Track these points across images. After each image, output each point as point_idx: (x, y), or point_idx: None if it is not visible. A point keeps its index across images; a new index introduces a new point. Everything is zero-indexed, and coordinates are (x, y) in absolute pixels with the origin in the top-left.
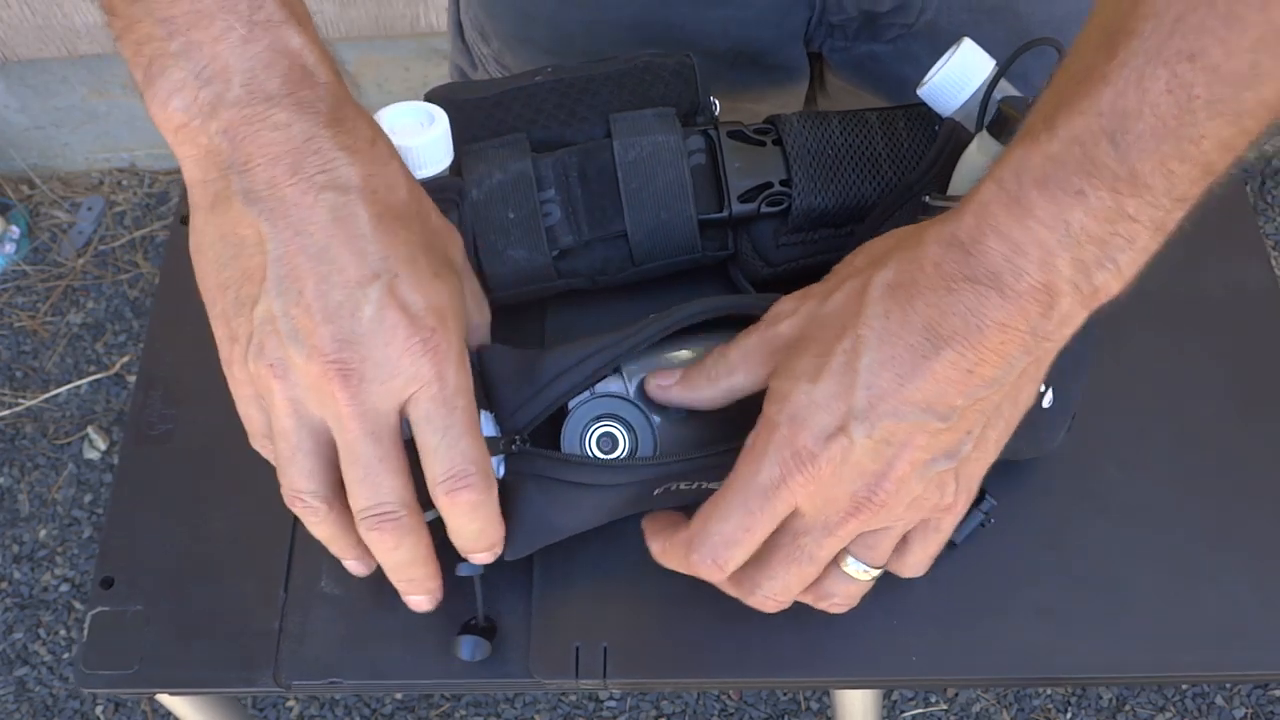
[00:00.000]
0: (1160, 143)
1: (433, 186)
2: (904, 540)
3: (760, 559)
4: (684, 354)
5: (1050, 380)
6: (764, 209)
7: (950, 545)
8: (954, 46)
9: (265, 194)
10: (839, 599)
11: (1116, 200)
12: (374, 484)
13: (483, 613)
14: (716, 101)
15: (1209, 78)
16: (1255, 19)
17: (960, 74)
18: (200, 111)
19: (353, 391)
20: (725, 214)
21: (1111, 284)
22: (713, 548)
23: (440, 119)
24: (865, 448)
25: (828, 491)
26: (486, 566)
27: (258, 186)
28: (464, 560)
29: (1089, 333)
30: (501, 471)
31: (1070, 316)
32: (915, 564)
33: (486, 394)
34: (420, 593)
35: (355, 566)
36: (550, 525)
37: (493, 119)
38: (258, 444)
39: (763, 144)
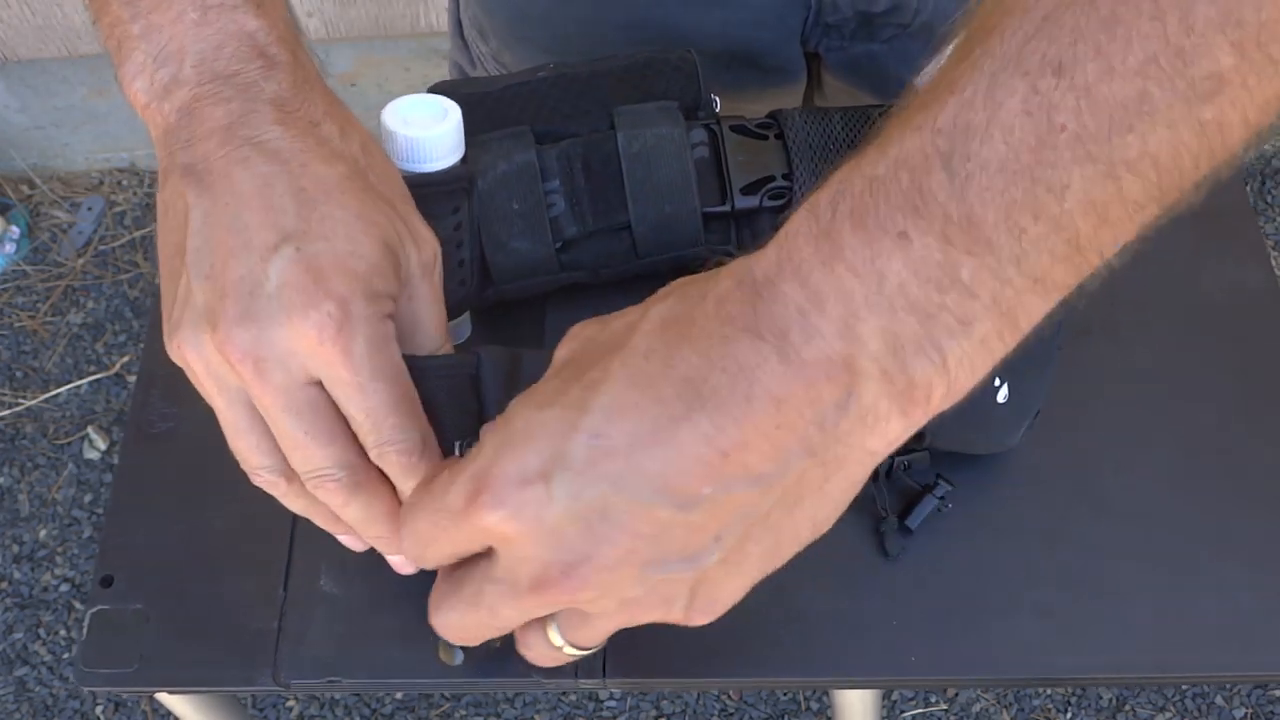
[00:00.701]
0: (1009, 183)
1: (443, 178)
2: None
3: (452, 581)
4: None
5: (1004, 375)
6: (766, 203)
7: (906, 531)
8: (954, 40)
9: (199, 166)
10: (534, 655)
11: (947, 254)
12: (305, 455)
13: None
14: (717, 98)
15: (1079, 101)
16: (1145, 30)
17: None
18: (158, 92)
19: (254, 369)
20: (728, 207)
21: (934, 383)
22: (408, 532)
23: (454, 112)
24: (567, 512)
25: (517, 548)
26: None
27: (194, 159)
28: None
29: (1055, 330)
30: None
31: (874, 415)
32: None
33: (480, 402)
34: (393, 552)
35: (349, 541)
36: None
37: (496, 113)
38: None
39: (765, 138)
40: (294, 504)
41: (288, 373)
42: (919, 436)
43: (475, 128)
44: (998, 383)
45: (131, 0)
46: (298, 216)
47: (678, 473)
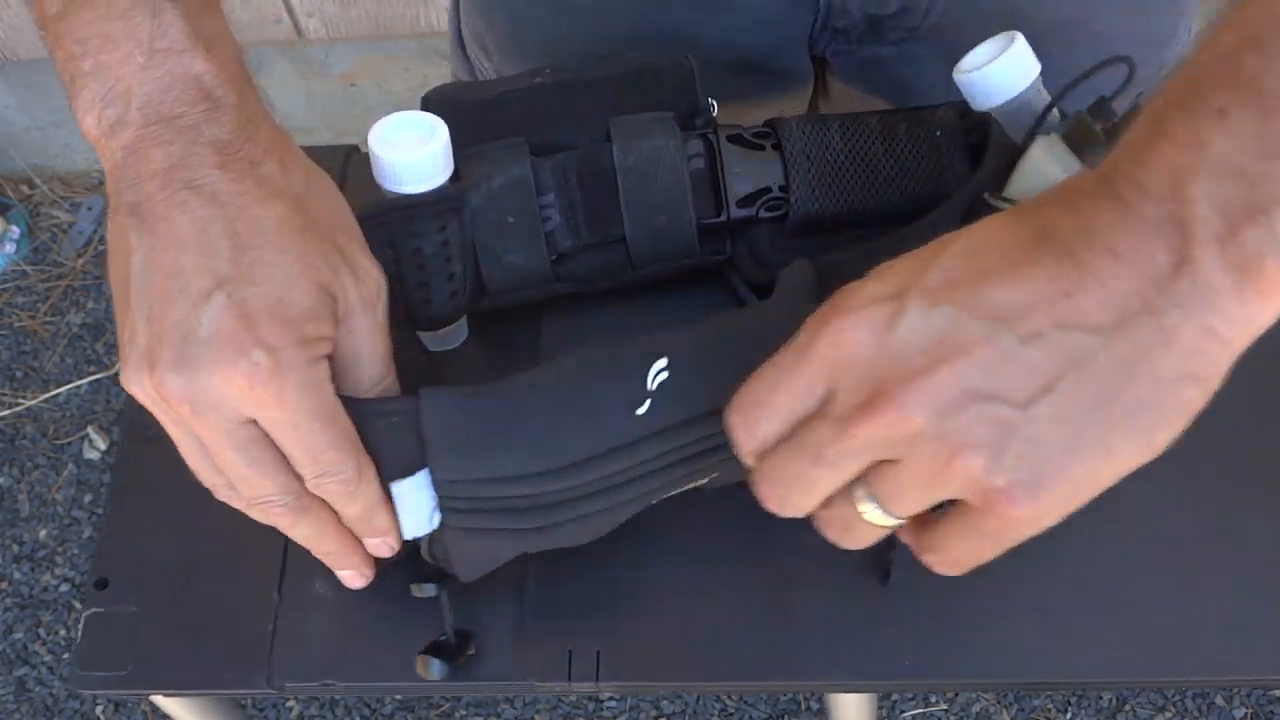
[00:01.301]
0: None
1: (432, 199)
2: (939, 521)
3: (779, 444)
4: None
5: None
6: (762, 214)
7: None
8: (1004, 38)
9: (141, 206)
10: (837, 530)
11: (1266, 124)
12: (248, 485)
13: (452, 631)
14: (714, 103)
15: None
16: None
17: (1011, 72)
18: (105, 130)
19: (194, 412)
20: (723, 218)
21: (1265, 254)
22: (742, 404)
23: (440, 131)
24: (914, 325)
25: (855, 362)
26: (437, 592)
27: (137, 199)
28: (421, 583)
29: None
30: (437, 521)
31: (1209, 285)
32: (946, 553)
33: (424, 448)
34: (346, 568)
35: (350, 578)
36: (498, 556)
37: (491, 121)
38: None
39: (762, 148)
40: (256, 517)
41: (221, 415)
42: None
43: (470, 136)
44: None
45: (82, 39)
46: (231, 262)
47: (1022, 305)
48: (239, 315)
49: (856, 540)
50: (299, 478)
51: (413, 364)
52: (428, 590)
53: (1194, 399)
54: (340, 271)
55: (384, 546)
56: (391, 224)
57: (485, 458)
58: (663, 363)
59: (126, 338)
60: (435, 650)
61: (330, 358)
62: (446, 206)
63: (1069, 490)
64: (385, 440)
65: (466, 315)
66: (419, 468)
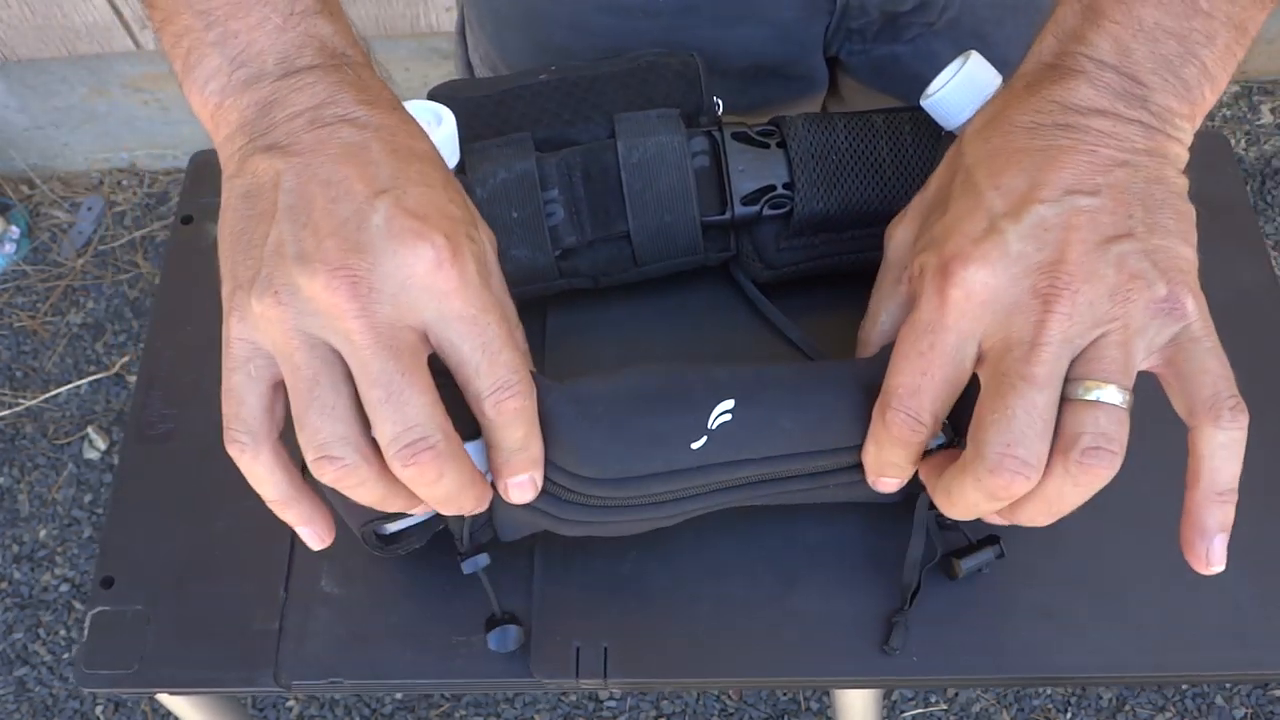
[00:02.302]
0: None
1: None
2: (1171, 357)
3: (977, 416)
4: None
5: None
6: (766, 211)
7: (953, 578)
8: (960, 59)
9: (285, 142)
10: (1092, 440)
11: None
12: (398, 404)
13: (498, 604)
14: (719, 101)
15: None
16: None
17: (967, 88)
18: (234, 90)
19: (362, 302)
20: (727, 216)
21: (1202, 84)
22: (898, 401)
23: (448, 119)
24: (1021, 237)
25: (995, 298)
26: (490, 562)
27: (279, 138)
28: (465, 558)
29: None
30: (489, 478)
31: (1173, 114)
32: (1202, 375)
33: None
34: (475, 508)
35: (310, 536)
36: (536, 525)
37: (496, 117)
38: (231, 435)
39: (766, 146)
40: (365, 492)
41: (396, 308)
42: None
43: (475, 132)
44: None
45: (205, 10)
46: (393, 172)
47: (1074, 177)
48: (411, 212)
49: (1106, 438)
50: (446, 415)
51: None
52: (477, 563)
53: (1183, 184)
54: (477, 218)
55: (530, 484)
56: None
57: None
58: (728, 404)
59: (266, 255)
60: (491, 626)
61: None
62: None
63: (1192, 270)
64: (452, 404)
65: None
66: (479, 435)
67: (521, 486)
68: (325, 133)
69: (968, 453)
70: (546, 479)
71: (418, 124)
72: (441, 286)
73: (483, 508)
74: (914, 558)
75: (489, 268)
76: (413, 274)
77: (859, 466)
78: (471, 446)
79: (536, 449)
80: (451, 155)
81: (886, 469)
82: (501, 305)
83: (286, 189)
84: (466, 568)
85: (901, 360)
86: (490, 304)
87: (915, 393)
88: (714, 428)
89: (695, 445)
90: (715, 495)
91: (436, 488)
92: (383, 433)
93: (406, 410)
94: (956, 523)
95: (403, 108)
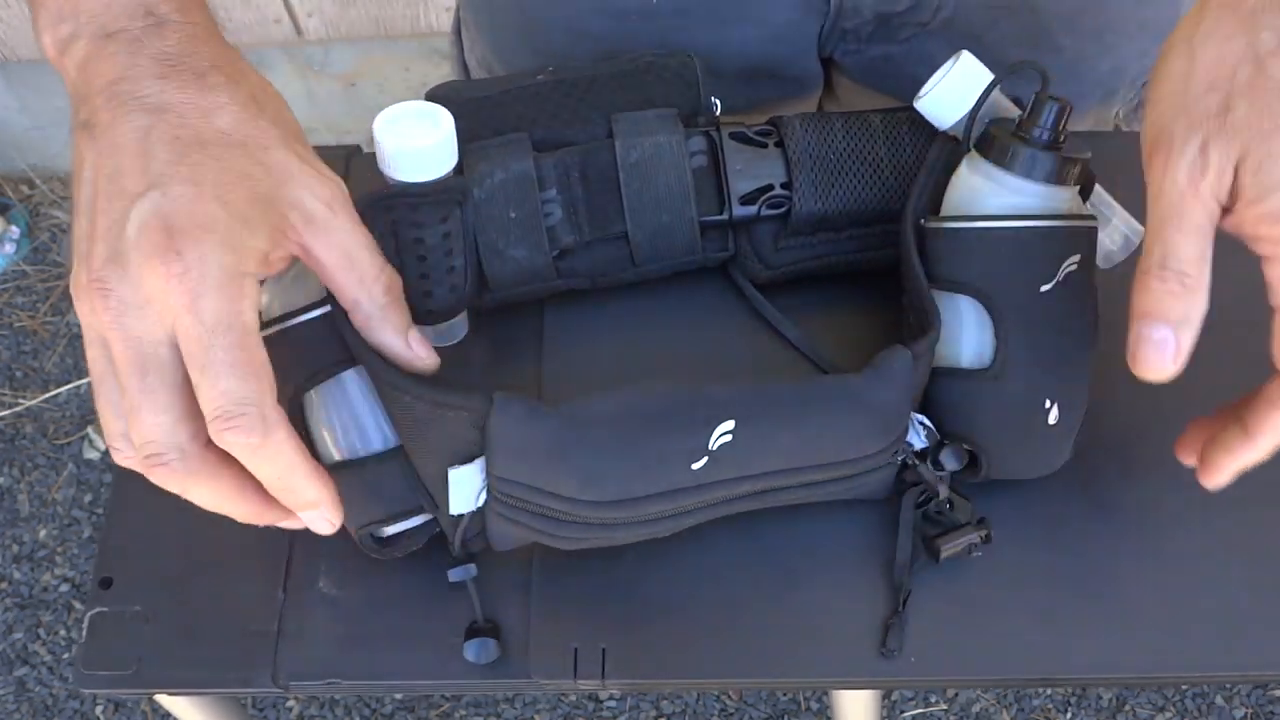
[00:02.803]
0: None
1: (436, 188)
2: None
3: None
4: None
5: (1055, 396)
6: (764, 211)
7: (936, 561)
8: (952, 59)
9: (90, 121)
10: None
11: None
12: (138, 420)
13: (481, 614)
14: (717, 101)
15: None
16: None
17: (959, 87)
18: (61, 47)
19: (114, 315)
20: (725, 216)
21: None
22: (1164, 269)
23: (445, 121)
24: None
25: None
26: (479, 570)
27: (87, 116)
28: (454, 566)
29: (1093, 342)
30: (482, 500)
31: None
32: None
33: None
34: (257, 520)
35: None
36: (529, 540)
37: (494, 117)
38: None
39: (764, 145)
40: (156, 479)
41: (143, 321)
42: (974, 467)
43: (473, 132)
44: (1048, 404)
45: None
46: (167, 163)
47: (1256, 54)
48: (164, 218)
49: None
50: (191, 434)
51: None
52: (468, 572)
53: None
54: (290, 182)
55: (320, 522)
56: (395, 211)
57: (539, 472)
58: (728, 425)
59: (74, 245)
60: (473, 634)
61: (332, 283)
62: (450, 198)
63: None
64: (450, 429)
65: (468, 310)
66: (476, 457)
67: (313, 523)
68: (119, 114)
69: None
70: (542, 504)
71: (227, 88)
72: (174, 300)
73: (270, 520)
74: (903, 559)
75: (241, 281)
76: (151, 289)
77: (853, 475)
78: (466, 468)
79: (304, 488)
80: (449, 157)
81: None
82: (245, 325)
83: (85, 180)
84: (453, 576)
85: (1159, 230)
86: (227, 324)
87: (1178, 258)
88: (715, 448)
89: (696, 466)
90: (711, 509)
91: (194, 497)
92: (133, 439)
93: (143, 427)
94: (940, 514)
95: (216, 67)
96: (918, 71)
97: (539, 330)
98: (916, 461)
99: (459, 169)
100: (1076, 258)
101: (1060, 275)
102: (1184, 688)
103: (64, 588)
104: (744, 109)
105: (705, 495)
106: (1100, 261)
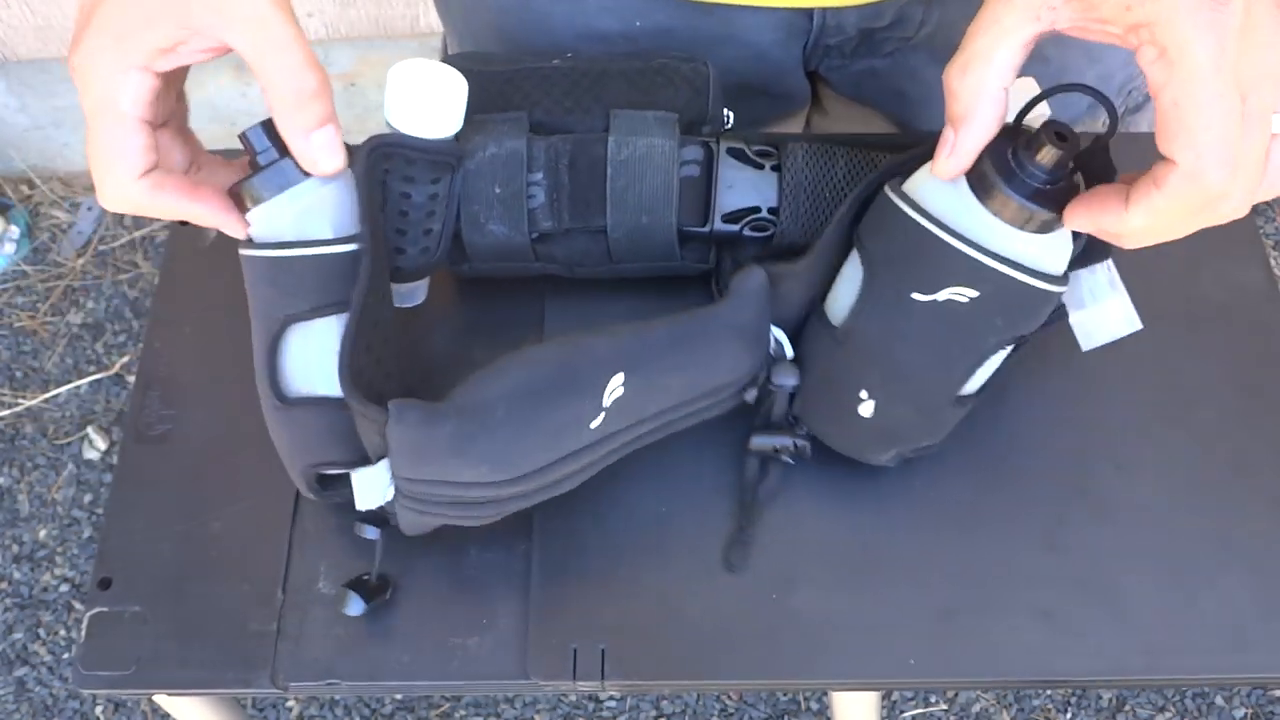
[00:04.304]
0: None
1: (430, 148)
2: None
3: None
4: None
5: (874, 394)
6: (747, 232)
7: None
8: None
9: None
10: None
11: None
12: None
13: (376, 572)
14: (730, 113)
15: None
16: None
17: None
18: None
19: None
20: (707, 229)
21: None
22: (1219, 158)
23: (459, 86)
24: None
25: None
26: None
27: None
28: (365, 524)
29: (940, 387)
30: (390, 496)
31: None
32: None
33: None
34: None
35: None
36: (439, 525)
37: (501, 95)
38: None
39: (761, 167)
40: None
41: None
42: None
43: (479, 105)
44: (864, 395)
45: None
46: None
47: None
48: (89, 10)
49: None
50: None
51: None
52: (369, 533)
53: None
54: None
55: (330, 152)
56: (391, 161)
57: (445, 468)
58: (619, 379)
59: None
60: (357, 587)
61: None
62: (445, 160)
63: None
64: (363, 430)
65: (462, 292)
66: (381, 458)
67: (321, 154)
68: None
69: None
70: (451, 494)
71: None
72: (80, 82)
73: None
74: (750, 476)
75: (125, 73)
76: (75, 70)
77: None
78: (371, 469)
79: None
80: (454, 122)
81: (1160, 237)
82: (119, 110)
83: None
84: (365, 533)
85: (1199, 114)
86: (102, 101)
87: (1231, 141)
88: (609, 405)
89: (594, 424)
90: (613, 454)
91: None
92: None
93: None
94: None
95: None
96: (903, 84)
97: (539, 329)
98: (764, 375)
99: (456, 138)
100: (972, 294)
101: (940, 296)
102: (1184, 688)
103: (64, 588)
104: (735, 126)
105: (606, 447)
106: (1081, 340)
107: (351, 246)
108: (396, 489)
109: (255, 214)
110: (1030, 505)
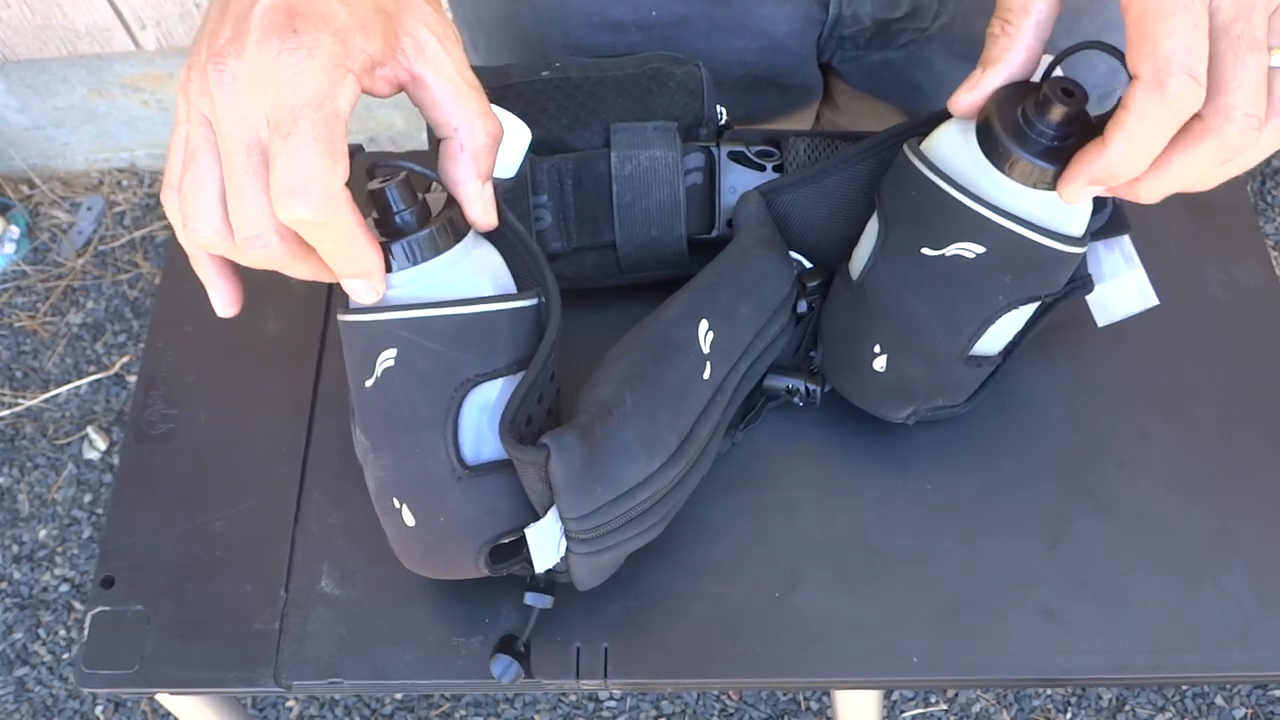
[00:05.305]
0: None
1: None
2: None
3: (1212, 80)
4: None
5: (887, 347)
6: None
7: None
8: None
9: None
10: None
11: None
12: (241, 201)
13: (528, 638)
14: (723, 110)
15: None
16: None
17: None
18: None
19: (227, 91)
20: (714, 235)
21: None
22: (1180, 64)
23: (523, 134)
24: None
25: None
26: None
27: None
28: (530, 591)
29: (949, 346)
30: (563, 550)
31: None
32: None
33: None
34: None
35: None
36: (614, 566)
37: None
38: (164, 194)
39: (762, 168)
40: (247, 260)
41: (250, 100)
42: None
43: None
44: (877, 349)
45: None
46: None
47: None
48: (292, 2)
49: None
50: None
51: None
52: (543, 601)
53: None
54: (413, 9)
55: (367, 291)
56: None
57: (609, 476)
58: (705, 325)
59: (198, 36)
60: (507, 650)
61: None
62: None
63: None
64: (523, 482)
65: None
66: (548, 508)
67: (358, 292)
68: None
69: (1204, 124)
70: (623, 511)
71: None
72: (276, 76)
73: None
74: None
75: (345, 72)
76: (263, 65)
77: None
78: (541, 525)
79: (358, 256)
80: (514, 168)
81: (1141, 162)
82: (338, 109)
83: None
84: (530, 600)
85: (1169, 27)
86: (320, 101)
87: (1190, 50)
88: (709, 351)
89: (706, 375)
90: (727, 412)
91: (290, 271)
92: (232, 221)
93: (244, 207)
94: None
95: None
96: (917, 76)
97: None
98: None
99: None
100: (979, 249)
101: (947, 251)
102: (1184, 688)
103: (64, 588)
104: (745, 118)
105: (723, 397)
106: (1097, 316)
107: (533, 300)
108: (567, 541)
109: (412, 273)
110: (1032, 504)
